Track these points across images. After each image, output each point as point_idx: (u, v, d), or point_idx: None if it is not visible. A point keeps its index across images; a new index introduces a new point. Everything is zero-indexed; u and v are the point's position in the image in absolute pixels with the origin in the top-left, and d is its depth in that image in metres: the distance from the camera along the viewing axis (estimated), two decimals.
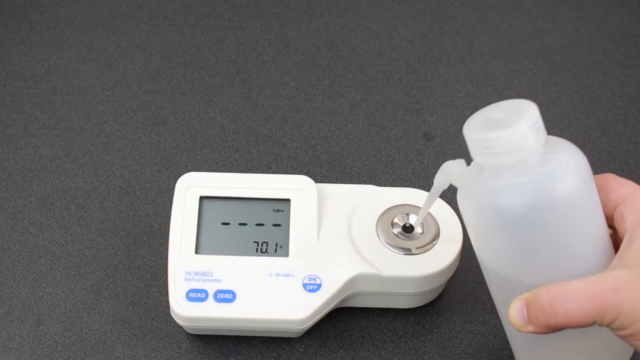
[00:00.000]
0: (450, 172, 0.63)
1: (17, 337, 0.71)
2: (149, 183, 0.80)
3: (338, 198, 0.73)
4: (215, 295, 0.68)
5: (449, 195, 0.79)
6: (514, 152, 0.57)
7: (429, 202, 0.67)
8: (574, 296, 0.56)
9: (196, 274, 0.69)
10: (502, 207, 0.58)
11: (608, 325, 0.56)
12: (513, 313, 0.58)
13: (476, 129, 0.58)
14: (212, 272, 0.69)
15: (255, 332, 0.70)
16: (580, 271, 0.58)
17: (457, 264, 0.72)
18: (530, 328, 0.58)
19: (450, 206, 0.73)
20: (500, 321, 0.72)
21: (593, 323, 0.56)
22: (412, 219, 0.72)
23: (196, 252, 0.70)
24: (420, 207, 0.72)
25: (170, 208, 0.75)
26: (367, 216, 0.72)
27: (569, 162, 0.58)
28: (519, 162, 0.57)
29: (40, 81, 0.87)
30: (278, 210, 0.72)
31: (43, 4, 0.93)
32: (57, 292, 0.73)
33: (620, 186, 0.61)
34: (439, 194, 0.66)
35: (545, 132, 0.58)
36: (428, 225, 0.72)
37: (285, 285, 0.69)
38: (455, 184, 0.63)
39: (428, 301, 0.73)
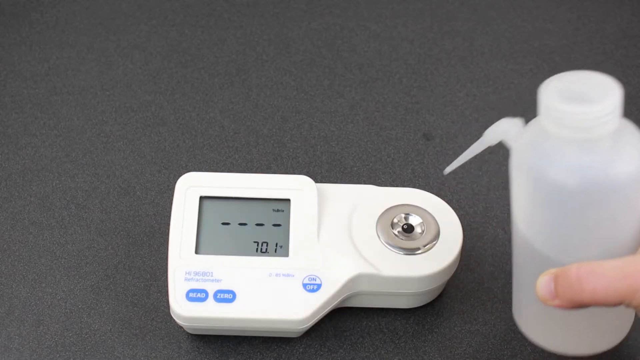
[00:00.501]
0: (507, 131, 0.61)
1: (17, 337, 0.71)
2: (149, 183, 0.80)
3: (338, 198, 0.73)
4: (215, 295, 0.68)
5: (449, 195, 0.79)
6: (588, 130, 0.56)
7: (469, 154, 0.65)
8: (603, 275, 0.56)
9: (196, 274, 0.69)
10: (563, 181, 0.57)
11: (636, 307, 0.56)
12: (541, 286, 0.58)
13: (554, 96, 0.56)
14: (212, 272, 0.69)
15: (255, 332, 0.70)
16: (619, 253, 0.58)
17: (457, 264, 0.72)
18: (556, 302, 0.58)
19: (450, 206, 0.73)
20: (500, 321, 0.72)
21: (620, 303, 0.56)
22: (412, 219, 0.72)
23: (196, 252, 0.70)
24: (420, 207, 0.72)
25: (170, 208, 0.75)
26: (367, 216, 0.72)
27: (637, 148, 0.57)
28: (589, 140, 0.56)
29: (40, 81, 0.87)
30: (278, 210, 0.72)
31: (43, 4, 0.93)
32: (57, 292, 0.73)
33: None
34: (483, 149, 0.64)
35: (621, 115, 0.57)
36: (428, 225, 0.72)
37: (285, 285, 0.69)
38: (508, 143, 0.61)
39: (428, 301, 0.73)
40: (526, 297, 0.65)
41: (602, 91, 0.56)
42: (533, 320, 0.66)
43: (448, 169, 0.68)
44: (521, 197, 0.61)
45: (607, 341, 0.66)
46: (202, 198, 0.72)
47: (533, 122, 0.59)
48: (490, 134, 0.62)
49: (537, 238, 0.61)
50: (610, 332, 0.66)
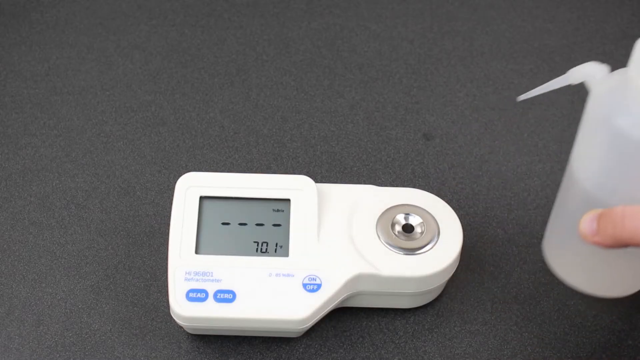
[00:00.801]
0: (593, 73, 0.63)
1: (17, 337, 0.71)
2: (149, 183, 0.80)
3: (338, 198, 0.73)
4: (215, 295, 0.68)
5: (449, 195, 0.79)
6: None
7: (548, 87, 0.66)
8: None
9: (196, 274, 0.69)
10: (633, 132, 0.59)
11: None
12: (584, 223, 0.62)
13: None
14: (212, 272, 0.69)
15: (255, 332, 0.70)
16: None
17: (457, 264, 0.72)
18: (596, 239, 0.61)
19: (450, 206, 0.73)
20: (500, 321, 0.72)
21: None
22: (412, 219, 0.72)
23: (196, 252, 0.70)
24: (420, 207, 0.72)
25: (170, 208, 0.75)
26: (367, 216, 0.72)
27: None
28: None
29: (40, 81, 0.87)
30: (278, 210, 0.72)
31: (43, 4, 0.93)
32: (57, 292, 0.73)
33: None
34: (562, 86, 0.65)
35: None
36: (428, 225, 0.72)
37: (285, 285, 0.69)
38: (589, 86, 0.63)
39: (428, 301, 0.73)
40: (564, 236, 0.68)
41: None
42: (565, 258, 0.70)
43: (523, 97, 0.69)
44: (586, 140, 0.64)
45: (629, 287, 0.70)
46: (202, 198, 0.72)
47: (619, 71, 0.62)
48: (575, 73, 0.64)
49: (591, 180, 0.64)
50: (634, 278, 0.69)
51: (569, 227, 0.66)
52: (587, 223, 0.62)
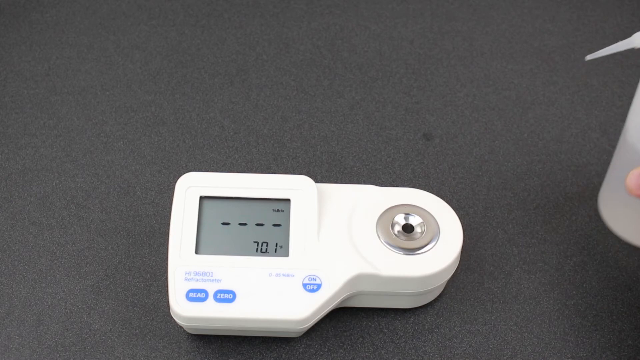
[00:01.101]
0: None
1: (17, 337, 0.71)
2: (149, 183, 0.80)
3: (338, 198, 0.73)
4: (215, 295, 0.68)
5: (449, 195, 0.79)
6: None
7: (613, 49, 0.70)
8: None
9: (196, 274, 0.69)
10: None
11: None
12: (630, 178, 0.68)
13: None
14: (212, 272, 0.69)
15: (255, 332, 0.70)
16: None
17: (457, 264, 0.72)
18: None
19: (450, 206, 0.73)
20: (500, 321, 0.73)
21: None
22: (412, 219, 0.72)
23: (196, 252, 0.70)
24: (420, 207, 0.72)
25: (170, 208, 0.75)
26: (367, 216, 0.72)
27: None
28: None
29: (40, 81, 0.87)
30: (278, 210, 0.72)
31: (43, 4, 0.93)
32: (57, 292, 0.73)
33: None
34: (625, 49, 0.69)
35: None
36: (428, 225, 0.72)
37: (285, 285, 0.69)
38: None
39: (428, 301, 0.73)
40: (616, 192, 0.76)
41: None
42: (616, 212, 0.77)
43: (590, 57, 0.73)
44: None
45: None
46: (202, 198, 0.72)
47: None
48: (638, 37, 0.68)
49: None
50: None
51: (620, 184, 0.73)
52: (633, 178, 0.67)
